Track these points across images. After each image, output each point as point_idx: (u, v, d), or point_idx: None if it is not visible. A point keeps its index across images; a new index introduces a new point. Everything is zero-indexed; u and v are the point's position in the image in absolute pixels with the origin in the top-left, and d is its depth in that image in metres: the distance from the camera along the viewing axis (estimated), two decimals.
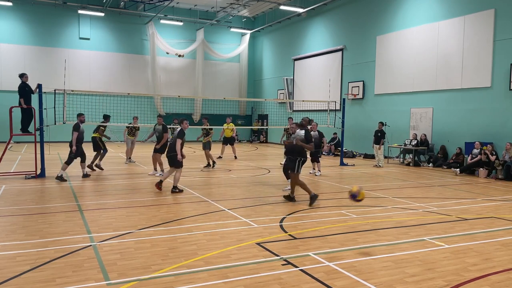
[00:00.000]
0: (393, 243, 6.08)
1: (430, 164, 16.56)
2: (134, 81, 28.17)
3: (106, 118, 14.43)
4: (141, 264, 5.00)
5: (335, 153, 20.74)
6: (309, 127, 14.30)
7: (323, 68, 24.31)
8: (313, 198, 8.63)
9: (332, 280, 4.62)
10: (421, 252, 5.66)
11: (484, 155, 13.78)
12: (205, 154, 14.85)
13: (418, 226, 7.11)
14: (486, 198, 9.98)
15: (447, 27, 16.64)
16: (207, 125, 15.05)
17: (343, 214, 7.91)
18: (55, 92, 12.57)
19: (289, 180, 10.39)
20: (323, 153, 21.57)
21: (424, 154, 16.90)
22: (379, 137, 16.12)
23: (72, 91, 13.33)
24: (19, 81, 12.00)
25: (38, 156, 11.93)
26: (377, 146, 16.15)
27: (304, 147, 8.87)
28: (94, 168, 13.40)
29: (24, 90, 11.83)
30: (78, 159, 11.84)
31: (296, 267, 4.99)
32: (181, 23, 28.20)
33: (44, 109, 12.02)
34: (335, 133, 21.29)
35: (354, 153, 20.36)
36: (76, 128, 11.50)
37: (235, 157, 17.80)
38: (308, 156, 14.55)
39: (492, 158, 13.46)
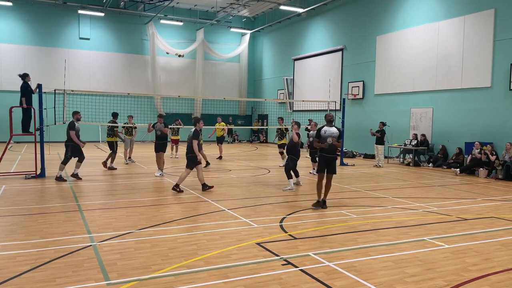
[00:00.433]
0: (393, 243, 6.08)
1: (430, 164, 16.57)
2: (134, 81, 28.17)
3: (115, 116, 14.74)
4: (141, 264, 5.00)
5: None
6: (308, 126, 14.41)
7: (323, 68, 24.30)
8: (320, 204, 8.34)
9: (332, 280, 4.62)
10: (421, 252, 5.66)
11: (484, 155, 13.78)
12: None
13: (418, 226, 7.11)
14: (486, 198, 9.98)
15: (447, 27, 16.64)
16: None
17: (343, 214, 7.91)
18: (55, 92, 12.57)
19: (290, 180, 10.41)
20: None
21: (424, 154, 16.90)
22: (380, 136, 16.15)
23: (72, 91, 13.34)
24: (19, 81, 11.99)
25: (38, 156, 11.93)
26: (377, 146, 16.17)
27: (338, 146, 8.33)
28: (114, 167, 14.01)
29: (26, 90, 11.84)
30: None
31: (296, 267, 4.99)
32: (181, 23, 28.20)
33: (44, 109, 12.02)
34: None
35: (354, 153, 20.36)
36: (72, 126, 11.44)
37: (220, 157, 17.56)
38: (308, 156, 14.62)
39: (492, 158, 13.46)
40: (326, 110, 18.70)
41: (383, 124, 16.37)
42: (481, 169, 13.69)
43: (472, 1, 15.76)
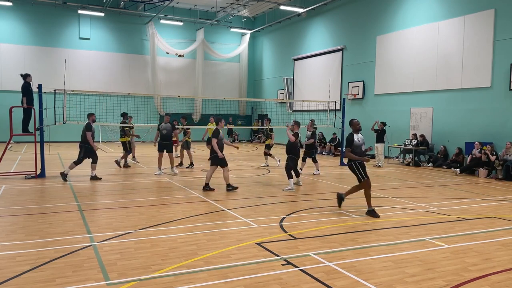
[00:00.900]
0: (393, 243, 6.08)
1: (430, 164, 16.56)
2: (134, 81, 28.17)
3: (125, 116, 14.95)
4: (141, 264, 5.00)
5: (335, 153, 20.73)
6: (305, 126, 14.41)
7: (323, 68, 24.30)
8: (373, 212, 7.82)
9: (332, 280, 4.62)
10: (421, 252, 5.65)
11: (484, 155, 13.78)
12: (187, 154, 14.87)
13: (418, 226, 7.11)
14: (486, 198, 9.98)
15: (447, 27, 16.64)
16: (185, 124, 15.31)
17: (343, 214, 7.91)
18: (55, 92, 12.57)
19: (290, 179, 10.40)
20: (323, 153, 21.61)
21: (424, 154, 16.90)
22: (381, 136, 16.17)
23: (72, 91, 13.34)
24: (19, 81, 12.00)
25: (38, 156, 11.92)
26: (377, 145, 16.18)
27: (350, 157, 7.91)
28: (129, 164, 14.71)
29: (28, 90, 11.85)
30: (89, 160, 11.79)
31: (296, 267, 4.99)
32: (181, 23, 28.20)
33: (44, 109, 12.02)
34: (334, 134, 21.29)
35: None
36: (89, 128, 11.49)
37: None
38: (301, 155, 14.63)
39: (492, 158, 13.46)
40: (326, 110, 18.72)
41: (383, 124, 16.37)
42: (481, 169, 13.69)
43: (472, 1, 15.76)
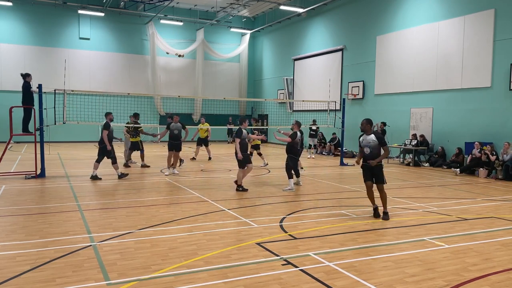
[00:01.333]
0: (393, 243, 6.08)
1: (427, 164, 16.55)
2: (134, 81, 28.17)
3: (136, 116, 15.07)
4: (141, 264, 5.00)
5: (335, 153, 20.73)
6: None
7: (323, 68, 24.30)
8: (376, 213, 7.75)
9: (332, 280, 4.62)
10: (421, 252, 5.65)
11: (484, 155, 13.78)
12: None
13: (418, 226, 7.11)
14: (486, 198, 9.98)
15: (447, 27, 16.64)
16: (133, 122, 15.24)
17: (343, 214, 7.91)
18: (55, 92, 12.56)
19: (290, 179, 10.40)
20: (323, 153, 21.62)
21: (424, 154, 16.90)
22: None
23: (72, 91, 13.34)
24: (19, 81, 12.00)
25: (38, 156, 11.92)
26: None
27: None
28: (147, 164, 14.78)
29: (28, 90, 11.85)
30: (109, 161, 11.82)
31: (296, 267, 4.99)
32: (181, 23, 28.20)
33: (44, 109, 12.02)
34: (334, 133, 21.29)
35: (354, 153, 20.33)
36: (107, 126, 11.58)
37: (210, 158, 17.23)
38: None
39: (492, 158, 13.46)
40: (326, 110, 18.72)
41: (384, 124, 16.37)
42: (481, 169, 13.69)
43: (472, 1, 15.76)
